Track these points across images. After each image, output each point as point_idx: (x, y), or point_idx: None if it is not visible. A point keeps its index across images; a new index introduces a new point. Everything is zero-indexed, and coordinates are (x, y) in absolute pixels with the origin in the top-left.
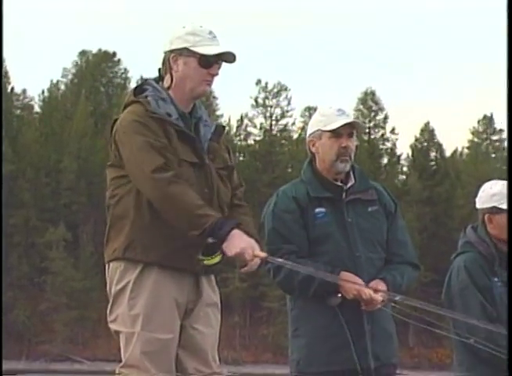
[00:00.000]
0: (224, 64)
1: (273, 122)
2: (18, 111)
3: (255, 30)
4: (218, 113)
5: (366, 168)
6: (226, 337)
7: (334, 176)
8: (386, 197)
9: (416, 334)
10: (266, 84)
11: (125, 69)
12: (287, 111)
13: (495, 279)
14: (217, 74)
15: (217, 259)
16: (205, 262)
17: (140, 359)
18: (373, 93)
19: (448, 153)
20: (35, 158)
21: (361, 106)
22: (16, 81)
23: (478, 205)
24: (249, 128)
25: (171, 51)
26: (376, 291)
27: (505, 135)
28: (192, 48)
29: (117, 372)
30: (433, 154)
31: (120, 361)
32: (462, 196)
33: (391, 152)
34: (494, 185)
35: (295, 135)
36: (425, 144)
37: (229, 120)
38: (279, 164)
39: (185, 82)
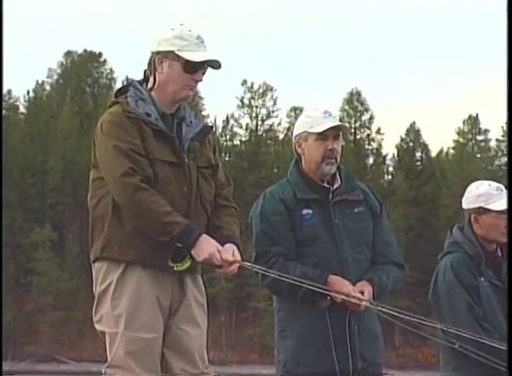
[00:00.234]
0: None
1: (259, 122)
2: (3, 112)
3: (241, 30)
4: (204, 113)
5: (352, 168)
6: (212, 337)
7: (320, 177)
8: (371, 198)
9: (402, 334)
10: (252, 84)
11: (111, 69)
12: (273, 111)
13: (482, 279)
14: (201, 80)
15: (187, 265)
16: (175, 269)
17: (124, 359)
18: (358, 93)
19: (433, 154)
20: (21, 159)
21: (346, 107)
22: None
23: (465, 206)
24: (235, 129)
25: (158, 52)
26: (362, 293)
27: (490, 135)
28: (177, 53)
29: (102, 372)
30: (418, 154)
31: (106, 362)
32: (447, 196)
33: (377, 152)
34: (480, 185)
35: (281, 136)
36: (411, 144)
37: (215, 120)
38: (265, 165)
39: (168, 85)
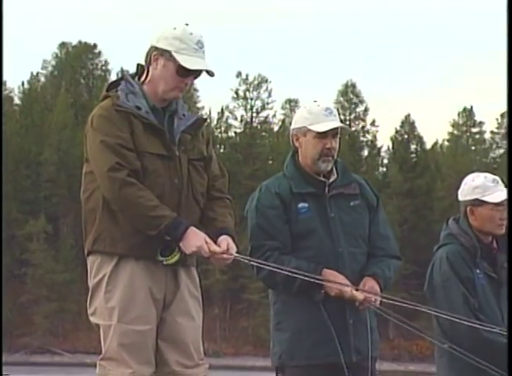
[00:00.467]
0: (206, 54)
1: (254, 114)
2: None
3: (236, 22)
4: (198, 105)
5: (347, 160)
6: (206, 329)
7: (316, 172)
8: (368, 191)
9: (396, 327)
10: (247, 76)
11: (106, 61)
12: (268, 103)
13: (477, 270)
14: (192, 84)
15: (176, 258)
16: (164, 262)
17: (118, 352)
18: (353, 85)
19: (428, 146)
20: (15, 150)
21: (341, 99)
22: None
23: (460, 198)
24: (230, 121)
25: (156, 48)
26: (357, 290)
27: (485, 127)
28: (174, 54)
29: (97, 365)
30: (413, 147)
31: (100, 353)
32: (442, 188)
33: (372, 144)
34: (476, 177)
35: (276, 128)
36: (405, 136)
37: (210, 112)
38: (260, 157)
39: (159, 83)
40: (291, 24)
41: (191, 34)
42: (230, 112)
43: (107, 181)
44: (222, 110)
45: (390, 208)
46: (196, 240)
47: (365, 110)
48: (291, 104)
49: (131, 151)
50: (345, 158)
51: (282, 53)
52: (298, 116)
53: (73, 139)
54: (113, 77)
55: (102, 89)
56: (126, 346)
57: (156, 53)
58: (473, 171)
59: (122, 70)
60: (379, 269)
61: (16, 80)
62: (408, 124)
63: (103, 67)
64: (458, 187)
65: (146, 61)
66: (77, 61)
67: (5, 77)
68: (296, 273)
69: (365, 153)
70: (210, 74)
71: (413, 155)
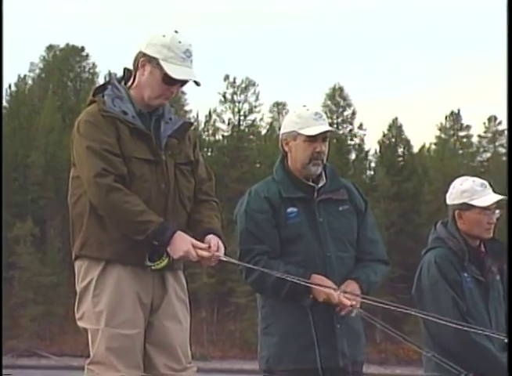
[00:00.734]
0: (194, 57)
1: (241, 118)
2: None
3: (224, 25)
4: (186, 108)
5: (334, 164)
6: (194, 332)
7: (306, 177)
8: (356, 196)
9: (383, 330)
10: (234, 79)
11: (93, 64)
12: (255, 107)
13: (465, 274)
14: (178, 92)
15: (164, 263)
16: (152, 268)
17: (106, 356)
18: (341, 89)
19: (415, 149)
20: (2, 153)
21: (329, 102)
22: None
23: (449, 201)
24: (217, 124)
25: (144, 54)
26: (345, 293)
27: (472, 131)
28: (161, 62)
29: (85, 369)
30: (400, 150)
31: (88, 356)
32: (429, 192)
33: (359, 148)
34: (464, 181)
35: (263, 131)
36: (393, 140)
37: (197, 115)
38: (247, 160)
39: (145, 89)
40: (279, 28)
41: (179, 42)
42: (218, 115)
43: (94, 187)
44: (210, 113)
45: (377, 212)
46: (183, 244)
47: (353, 113)
48: (279, 107)
49: (118, 156)
50: (333, 162)
51: (269, 56)
52: (288, 120)
53: (61, 142)
54: (100, 80)
55: (90, 92)
56: (114, 350)
57: (144, 59)
58: (460, 175)
59: (110, 73)
60: (364, 273)
61: (3, 82)
62: (395, 127)
63: (91, 70)
64: (445, 191)
65: (133, 66)
66: (64, 64)
67: None
68: (286, 277)
69: (353, 156)
70: (197, 83)
71: (401, 159)
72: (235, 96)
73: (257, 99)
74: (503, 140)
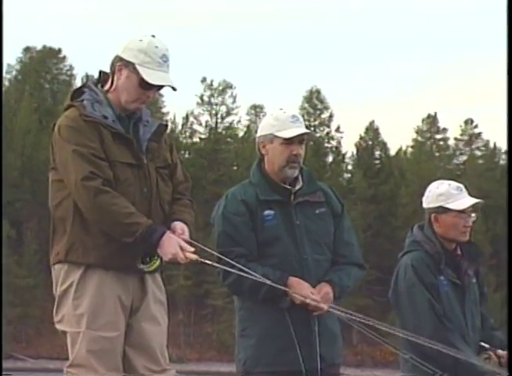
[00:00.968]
0: (171, 58)
1: (219, 120)
2: None
3: (200, 28)
4: (163, 110)
5: (311, 166)
6: (171, 335)
7: (282, 180)
8: (333, 199)
9: (359, 332)
10: (211, 82)
11: (70, 66)
12: (233, 109)
13: (442, 277)
14: (154, 96)
15: (156, 264)
16: (146, 270)
17: (87, 358)
18: (318, 92)
19: (392, 152)
20: None
21: (306, 105)
22: None
23: (425, 205)
24: (194, 126)
25: (120, 58)
26: (323, 295)
27: (448, 133)
28: (137, 67)
29: (64, 372)
30: (377, 153)
31: (64, 359)
32: (406, 194)
33: (336, 150)
34: (440, 185)
35: (241, 133)
36: (370, 143)
37: (175, 117)
38: (225, 162)
39: (122, 93)
40: (255, 29)
41: (156, 47)
42: (195, 117)
43: (82, 190)
44: (187, 115)
45: (354, 214)
46: (171, 247)
47: (330, 116)
48: (256, 110)
49: (104, 160)
50: (310, 164)
51: (246, 59)
52: (265, 123)
53: (38, 144)
54: (78, 82)
55: (67, 94)
56: (95, 353)
57: (121, 64)
58: (436, 178)
59: (87, 76)
60: (337, 276)
61: None
62: (372, 130)
63: (68, 72)
64: (422, 193)
65: (110, 69)
66: (41, 66)
67: None
68: (264, 282)
69: (330, 159)
70: (174, 89)
71: (377, 161)
72: (212, 99)
73: (234, 101)
74: (479, 143)
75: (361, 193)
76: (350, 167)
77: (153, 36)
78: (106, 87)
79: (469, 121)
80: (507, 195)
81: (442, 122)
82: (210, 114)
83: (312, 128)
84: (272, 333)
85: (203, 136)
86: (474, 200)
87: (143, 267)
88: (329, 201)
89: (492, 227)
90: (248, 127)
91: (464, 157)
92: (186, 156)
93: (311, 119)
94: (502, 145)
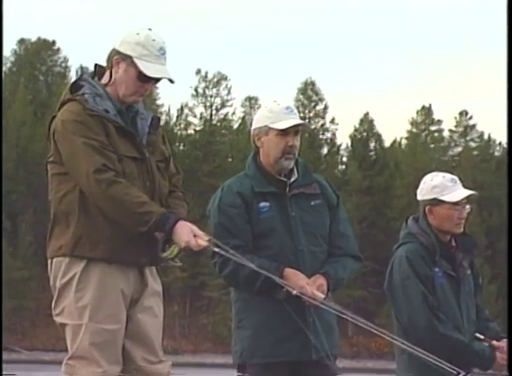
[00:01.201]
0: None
1: (213, 112)
2: None
3: (195, 19)
4: (158, 102)
5: (306, 158)
6: (166, 326)
7: (278, 171)
8: (329, 190)
9: (355, 324)
10: (206, 73)
11: (65, 58)
12: (227, 101)
13: (436, 269)
14: (151, 89)
15: (176, 251)
16: (170, 257)
17: (89, 350)
18: (312, 83)
19: (387, 144)
20: None
21: (301, 96)
22: None
23: (419, 197)
24: (189, 118)
25: (118, 52)
26: (317, 287)
27: (443, 125)
28: (135, 60)
29: (64, 364)
30: (372, 144)
31: (59, 351)
32: (401, 186)
33: (331, 142)
34: (435, 177)
35: (235, 125)
36: (364, 134)
37: (169, 109)
38: (220, 154)
39: (120, 86)
40: (250, 21)
41: (154, 40)
42: (189, 109)
43: (94, 182)
44: (182, 107)
45: (349, 206)
46: (184, 234)
47: (325, 107)
48: (251, 102)
49: (114, 154)
50: (305, 156)
51: (241, 51)
52: (259, 115)
53: (33, 136)
54: (72, 74)
55: (62, 86)
56: (97, 345)
57: (118, 57)
58: (431, 169)
59: (81, 67)
60: (332, 268)
61: None
62: (367, 122)
63: (63, 64)
64: (417, 185)
65: (107, 63)
66: (36, 58)
67: None
68: (261, 273)
69: (325, 150)
70: (171, 81)
71: (372, 153)
72: (207, 90)
73: (229, 93)
74: (474, 135)
75: (356, 184)
76: (345, 158)
77: (150, 29)
78: (105, 80)
79: (464, 113)
80: (507, 191)
81: (437, 114)
82: (205, 106)
83: (307, 120)
84: (268, 324)
85: (197, 128)
86: (468, 192)
87: (167, 254)
88: (325, 193)
89: (486, 219)
90: (243, 119)
91: (459, 149)
92: (181, 148)
93: (306, 111)
94: (497, 136)
